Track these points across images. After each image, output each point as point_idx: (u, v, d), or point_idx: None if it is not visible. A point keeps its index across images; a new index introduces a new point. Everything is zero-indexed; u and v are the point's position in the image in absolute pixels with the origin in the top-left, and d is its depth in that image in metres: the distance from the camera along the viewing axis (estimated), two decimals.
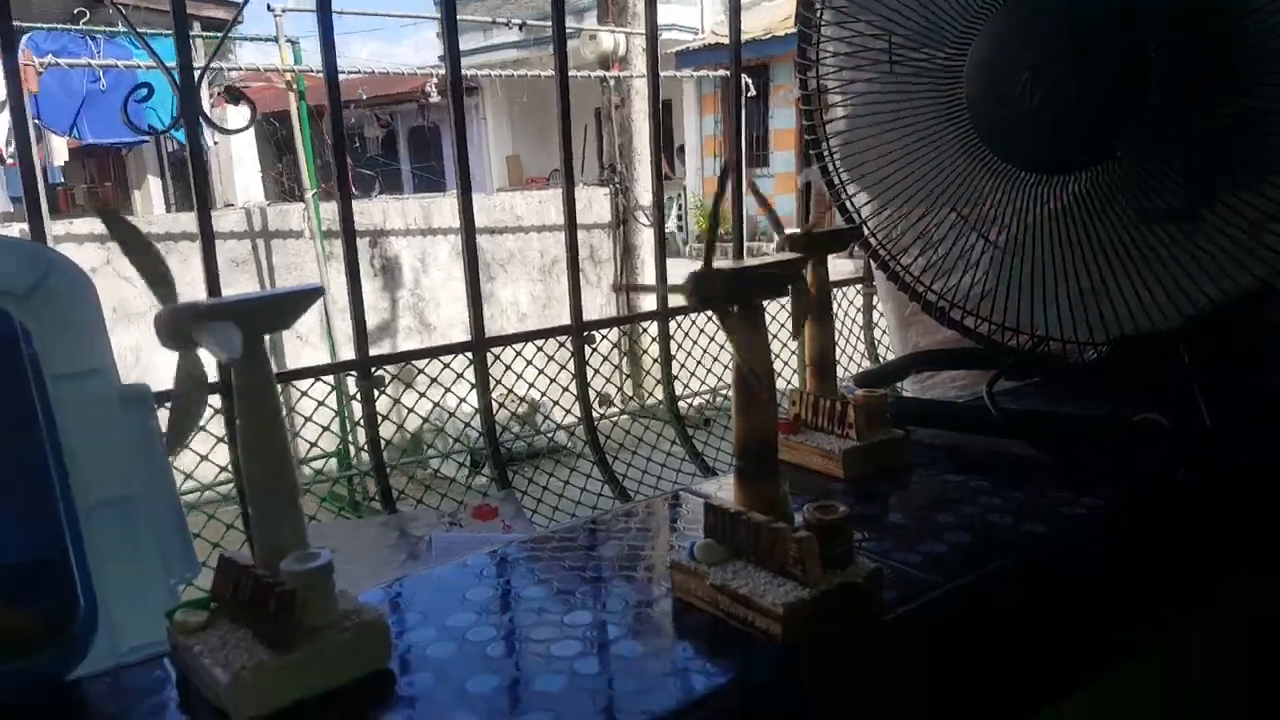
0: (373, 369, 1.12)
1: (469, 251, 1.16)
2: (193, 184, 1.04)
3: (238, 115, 4.26)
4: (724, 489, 0.89)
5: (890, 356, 1.80)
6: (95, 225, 4.42)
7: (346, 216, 1.10)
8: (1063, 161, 0.90)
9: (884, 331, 1.85)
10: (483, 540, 1.11)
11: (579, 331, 1.28)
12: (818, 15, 1.04)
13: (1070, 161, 0.87)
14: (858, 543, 0.70)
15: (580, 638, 0.59)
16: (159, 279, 0.51)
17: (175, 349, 0.51)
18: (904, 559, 0.70)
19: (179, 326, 0.50)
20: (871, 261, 1.17)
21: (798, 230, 0.88)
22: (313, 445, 1.75)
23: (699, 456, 1.43)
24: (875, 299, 1.82)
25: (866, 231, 1.06)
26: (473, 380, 1.31)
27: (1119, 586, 0.79)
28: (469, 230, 1.16)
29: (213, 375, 1.03)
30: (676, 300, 1.67)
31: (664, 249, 1.39)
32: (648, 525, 0.82)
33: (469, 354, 1.23)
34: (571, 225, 1.26)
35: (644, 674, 0.55)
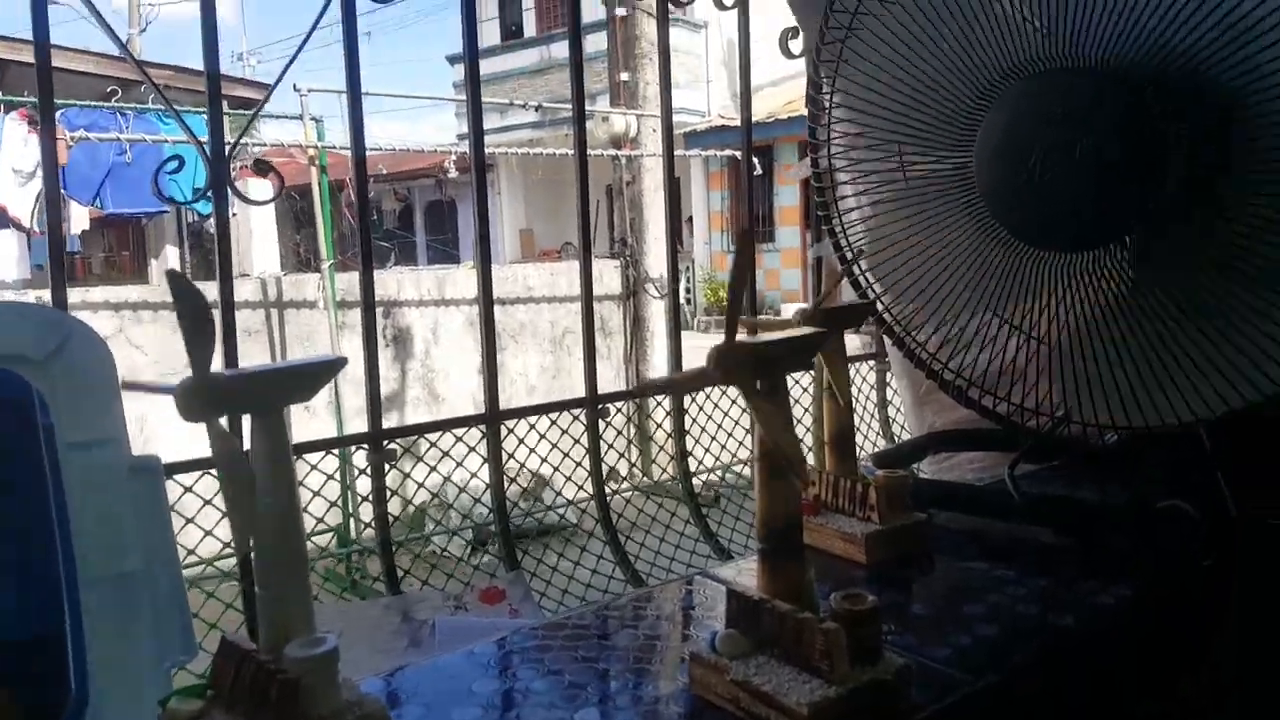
0: (385, 442, 1.10)
1: (486, 322, 1.16)
2: (218, 253, 1.04)
3: (258, 188, 4.33)
4: (743, 574, 0.86)
5: (905, 435, 1.78)
6: (110, 293, 4.46)
7: (367, 288, 1.10)
8: (1075, 236, 0.89)
9: (898, 409, 1.83)
10: (489, 626, 1.07)
11: (594, 404, 1.27)
12: (827, 98, 1.04)
13: (1082, 237, 0.86)
14: (884, 635, 0.67)
15: None
16: (199, 345, 0.49)
17: (194, 421, 0.49)
18: (931, 654, 0.67)
19: (199, 398, 0.49)
20: (885, 337, 1.16)
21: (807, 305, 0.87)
22: (319, 520, 1.72)
23: (713, 537, 1.39)
24: (889, 376, 1.81)
25: (880, 306, 1.04)
26: (483, 454, 1.29)
27: (1142, 668, 0.76)
28: (487, 301, 1.16)
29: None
30: (688, 366, 1.66)
31: (678, 322, 1.38)
32: (663, 612, 0.79)
33: (482, 427, 1.21)
34: (588, 296, 1.26)
35: None
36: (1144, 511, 0.87)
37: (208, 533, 1.13)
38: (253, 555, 0.52)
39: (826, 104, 1.00)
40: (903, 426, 1.81)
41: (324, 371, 0.53)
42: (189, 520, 1.06)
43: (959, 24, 0.84)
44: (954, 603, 0.76)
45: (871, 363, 1.80)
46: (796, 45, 1.34)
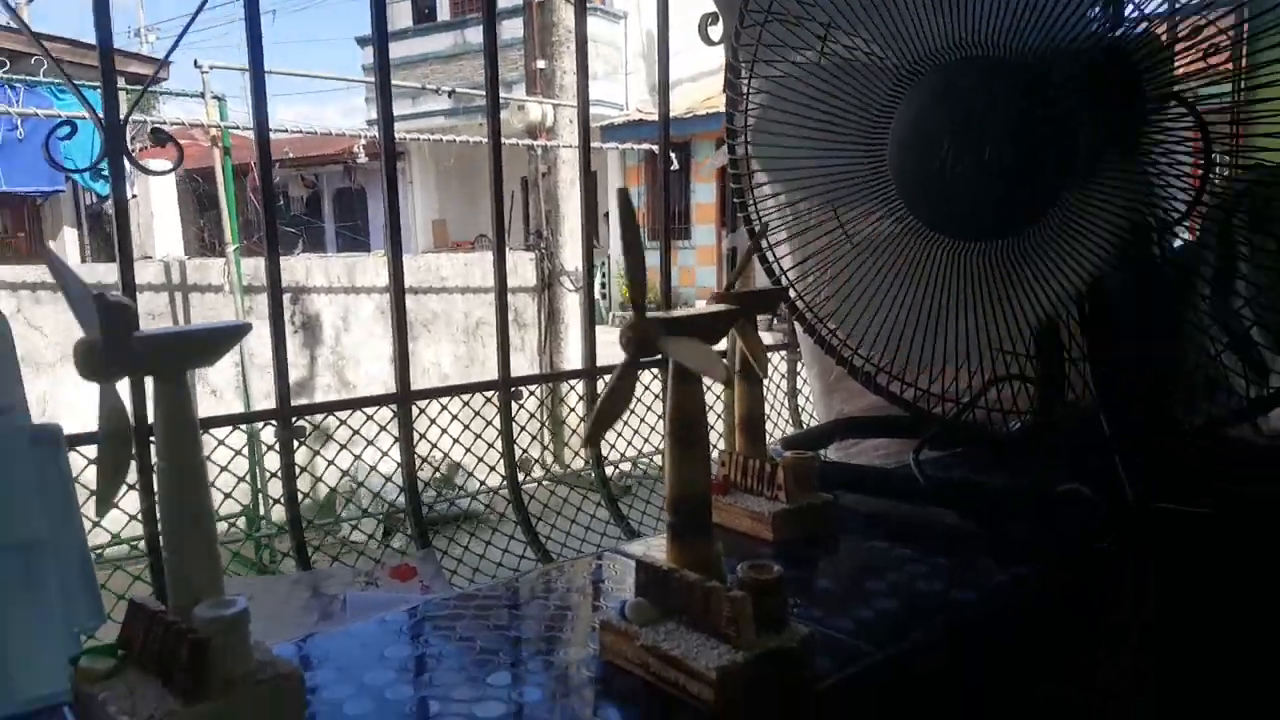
0: (293, 419, 1.07)
1: (398, 301, 1.14)
2: (116, 230, 1.01)
3: (157, 165, 4.16)
4: (652, 549, 0.87)
5: (814, 423, 1.82)
6: (7, 273, 4.26)
7: (273, 267, 1.07)
8: (987, 227, 0.92)
9: (807, 399, 1.87)
10: (399, 600, 1.06)
11: (506, 387, 1.26)
12: (745, 83, 1.06)
13: (996, 227, 0.89)
14: (790, 607, 0.69)
15: (504, 699, 0.56)
16: (87, 313, 0.48)
17: (95, 379, 0.49)
18: (835, 625, 0.69)
19: (98, 358, 0.48)
20: (798, 325, 1.18)
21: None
22: (227, 496, 1.67)
23: (624, 519, 1.40)
24: (799, 365, 1.85)
25: (794, 294, 1.07)
26: (395, 434, 1.27)
27: (1043, 650, 0.80)
28: (398, 279, 1.14)
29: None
30: (602, 361, 1.67)
31: (593, 308, 1.39)
32: (573, 585, 0.79)
33: (393, 407, 1.19)
34: (502, 281, 1.25)
35: None
36: (1044, 495, 0.91)
37: (113, 505, 1.08)
38: (158, 517, 0.51)
39: (744, 89, 1.01)
40: (812, 415, 1.85)
41: (228, 336, 0.53)
42: (93, 493, 1.02)
43: (872, 6, 0.86)
44: (857, 579, 0.79)
45: (784, 353, 1.84)
46: (716, 32, 1.36)
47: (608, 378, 1.54)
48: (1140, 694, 0.94)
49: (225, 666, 0.49)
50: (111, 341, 0.47)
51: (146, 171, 1.13)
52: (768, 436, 0.93)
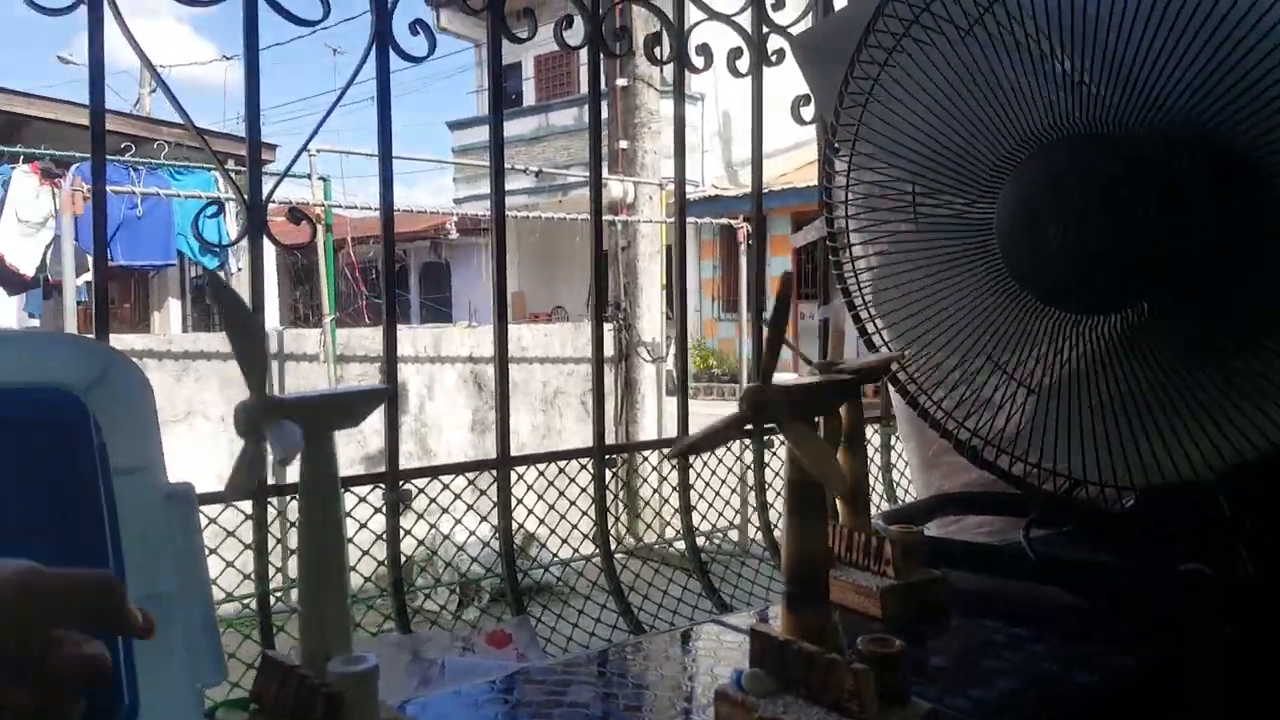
0: (400, 482, 1.10)
1: (501, 369, 1.17)
2: (251, 300, 1.06)
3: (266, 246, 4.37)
4: (749, 621, 0.86)
5: (909, 498, 1.78)
6: (116, 342, 4.47)
7: (390, 335, 1.12)
8: (1096, 301, 0.91)
9: (902, 473, 1.83)
10: (497, 667, 1.06)
11: (601, 455, 1.27)
12: (845, 158, 1.07)
13: (1104, 303, 0.88)
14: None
15: None
16: (255, 366, 0.52)
17: (250, 436, 0.51)
18: (953, 704, 0.66)
19: (255, 416, 0.50)
20: (898, 397, 1.17)
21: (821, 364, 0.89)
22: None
23: (715, 592, 1.38)
24: (893, 439, 1.81)
25: (896, 366, 1.06)
26: (470, 504, 1.29)
27: None
28: (502, 347, 1.17)
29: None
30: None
31: (685, 382, 1.39)
32: (672, 655, 0.79)
33: (493, 471, 1.21)
34: (599, 350, 1.27)
35: None
36: (1164, 575, 0.87)
37: (229, 564, 1.12)
38: (296, 577, 0.53)
39: (845, 164, 1.02)
40: (906, 490, 1.81)
41: (371, 399, 0.55)
42: (212, 551, 1.06)
43: (986, 84, 0.86)
44: (972, 657, 0.76)
45: (877, 425, 1.81)
46: (808, 112, 1.38)
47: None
48: None
49: None
50: (267, 402, 0.50)
51: (283, 247, 1.20)
52: None
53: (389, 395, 0.56)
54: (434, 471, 1.25)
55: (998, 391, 1.01)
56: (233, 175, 1.24)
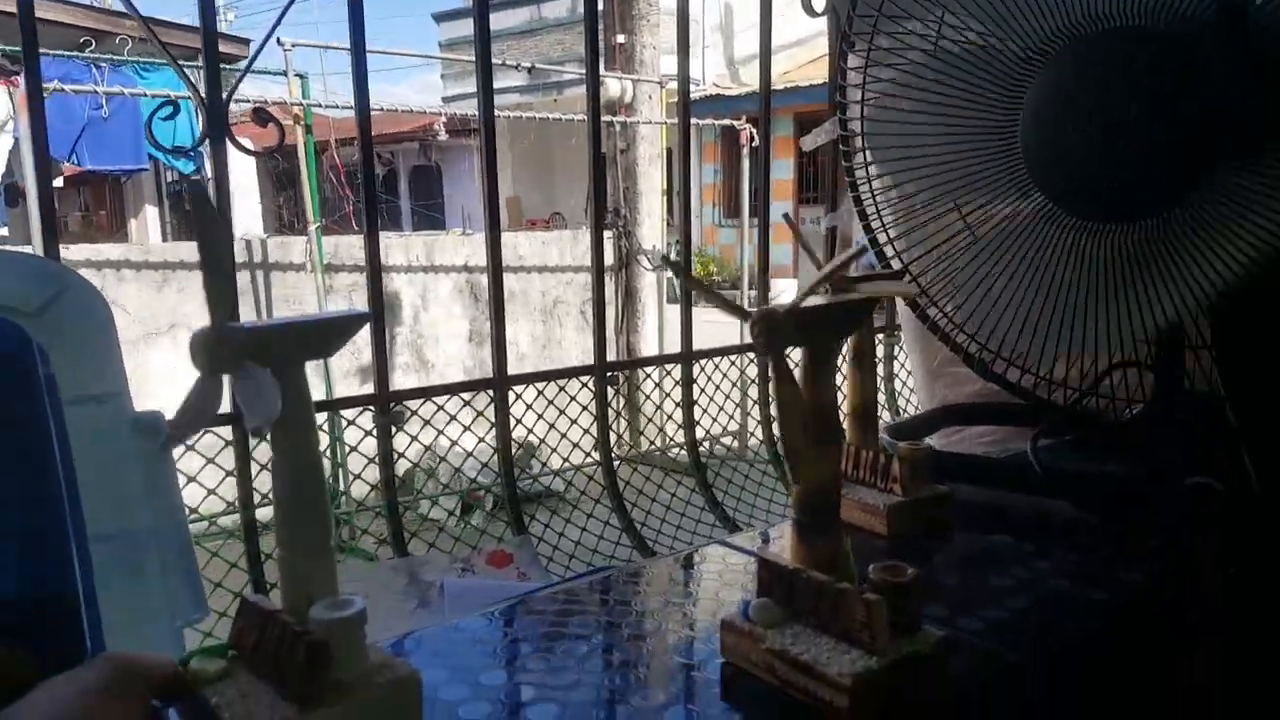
0: (391, 404, 1.07)
1: (496, 288, 1.13)
2: (217, 208, 1.01)
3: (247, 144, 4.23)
4: (757, 544, 0.84)
5: (912, 410, 1.76)
6: (90, 251, 4.38)
7: (373, 249, 1.07)
8: (1127, 210, 0.86)
9: (904, 383, 1.81)
10: (497, 588, 1.05)
11: (602, 372, 1.24)
12: (863, 53, 1.01)
13: (1134, 210, 0.83)
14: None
15: (626, 703, 0.54)
16: (222, 295, 0.47)
17: (212, 373, 0.46)
18: (965, 625, 0.65)
19: (219, 352, 0.45)
20: (904, 308, 1.13)
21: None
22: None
23: (719, 506, 1.38)
24: (897, 349, 1.79)
25: (908, 276, 1.02)
26: (479, 413, 1.26)
27: (1184, 650, 0.75)
28: (496, 265, 1.13)
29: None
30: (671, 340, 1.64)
31: (689, 293, 1.35)
32: (679, 579, 0.77)
33: (490, 391, 1.18)
34: (599, 265, 1.23)
35: None
36: (1172, 488, 0.86)
37: (211, 491, 1.10)
38: (273, 515, 0.49)
39: (861, 61, 0.96)
40: (909, 401, 1.79)
41: (349, 326, 0.50)
42: (191, 479, 1.03)
43: None
44: (981, 575, 0.75)
45: (881, 336, 1.78)
46: (819, 2, 1.30)
47: (703, 362, 1.50)
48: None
49: (341, 670, 0.47)
50: (231, 335, 0.45)
51: (248, 152, 1.13)
52: None
53: (371, 318, 0.51)
54: (427, 393, 1.22)
55: (1007, 301, 0.97)
56: (191, 73, 1.16)
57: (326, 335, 0.50)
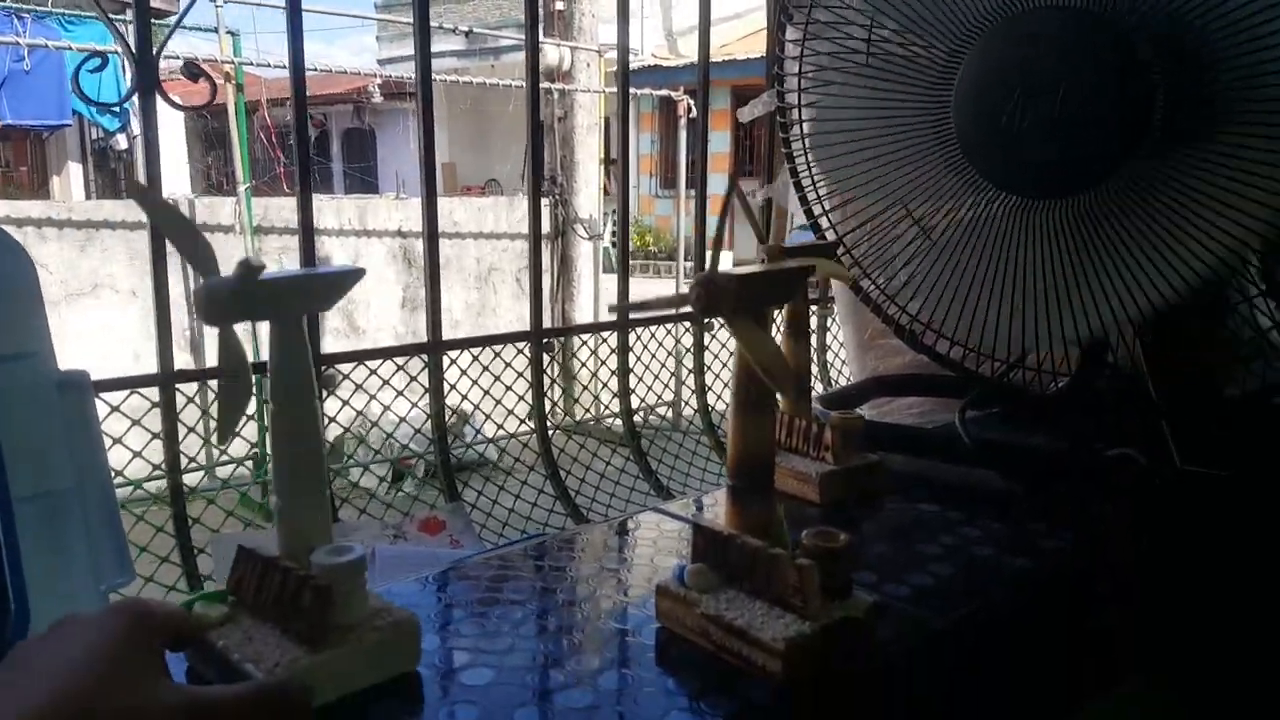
0: (325, 367, 1.05)
1: (431, 252, 1.11)
2: (145, 169, 0.97)
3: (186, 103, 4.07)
4: (691, 511, 0.85)
5: (844, 381, 1.79)
6: (11, 208, 4.21)
7: (306, 209, 1.04)
8: (1048, 183, 0.88)
9: (836, 354, 1.84)
10: (430, 555, 1.04)
11: (538, 339, 1.23)
12: (801, 25, 1.01)
13: (1064, 186, 0.85)
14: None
15: (561, 667, 0.54)
16: (202, 255, 0.48)
17: (216, 325, 0.48)
18: (893, 591, 0.66)
19: (225, 299, 0.47)
20: (835, 279, 1.15)
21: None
22: (222, 452, 1.66)
23: (653, 475, 1.38)
24: (830, 321, 1.81)
25: (842, 248, 1.03)
26: (412, 379, 1.25)
27: (1104, 617, 0.78)
28: (432, 229, 1.11)
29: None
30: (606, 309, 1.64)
31: (626, 260, 1.35)
32: (613, 545, 0.77)
33: (423, 356, 1.16)
34: (536, 232, 1.22)
35: (636, 711, 0.50)
36: (1094, 459, 0.89)
37: (136, 454, 1.07)
38: (269, 464, 0.52)
39: (799, 33, 0.97)
40: (840, 372, 1.82)
41: (345, 280, 0.53)
42: (116, 440, 1.00)
43: None
44: (909, 543, 0.76)
45: (814, 307, 1.80)
46: None
47: (639, 330, 1.50)
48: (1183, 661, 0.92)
49: (344, 613, 0.49)
50: (237, 285, 0.47)
51: (178, 107, 1.09)
52: None
53: (360, 275, 0.53)
54: (360, 356, 1.19)
55: (936, 273, 0.99)
56: (120, 27, 1.11)
57: (326, 289, 0.52)
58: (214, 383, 0.52)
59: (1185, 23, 0.77)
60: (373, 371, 1.21)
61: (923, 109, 0.92)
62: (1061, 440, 1.01)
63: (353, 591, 0.50)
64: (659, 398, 1.94)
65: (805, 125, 1.03)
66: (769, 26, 1.05)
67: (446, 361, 1.21)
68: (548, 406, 1.56)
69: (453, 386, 1.27)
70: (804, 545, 0.57)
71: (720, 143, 12.33)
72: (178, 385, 1.00)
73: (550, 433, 1.53)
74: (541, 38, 6.28)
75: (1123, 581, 0.79)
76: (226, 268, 0.48)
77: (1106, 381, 1.00)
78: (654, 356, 1.80)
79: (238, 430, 0.50)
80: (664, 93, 7.01)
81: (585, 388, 3.65)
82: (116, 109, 5.47)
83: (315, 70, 6.45)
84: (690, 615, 0.57)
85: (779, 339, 0.88)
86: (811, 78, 0.98)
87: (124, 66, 4.60)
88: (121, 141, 7.23)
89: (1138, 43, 0.76)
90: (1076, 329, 0.90)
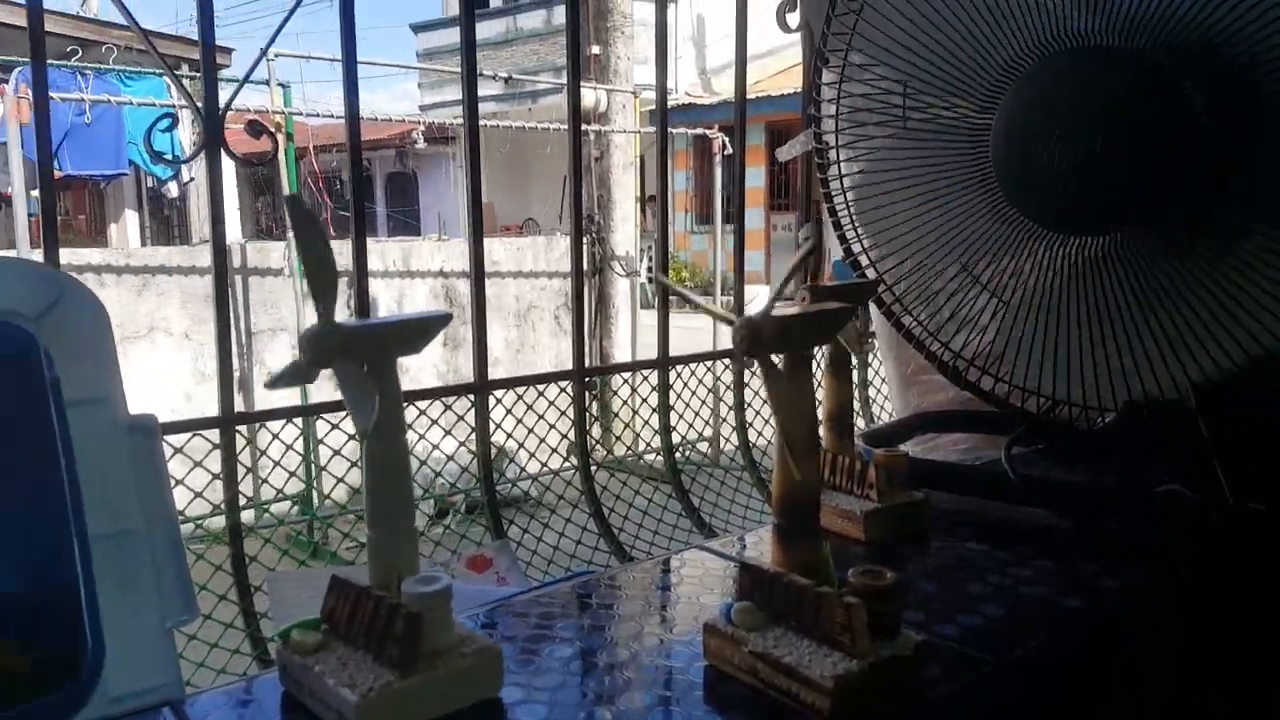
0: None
1: (478, 293, 1.13)
2: (211, 218, 1.02)
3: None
4: (735, 549, 0.85)
5: (885, 415, 1.78)
6: (71, 256, 4.35)
7: (360, 255, 1.07)
8: (1084, 220, 0.89)
9: (878, 390, 1.83)
10: (478, 593, 1.05)
11: (581, 377, 1.24)
12: (837, 69, 1.03)
13: (1100, 223, 0.85)
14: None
15: (611, 704, 0.54)
16: (325, 292, 0.52)
17: (320, 367, 0.52)
18: (940, 631, 0.66)
19: (324, 346, 0.51)
20: (878, 314, 1.15)
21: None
22: (279, 491, 1.69)
23: (695, 512, 1.38)
24: (871, 356, 1.81)
25: (882, 286, 1.04)
26: (446, 426, 1.27)
27: (1157, 658, 0.76)
28: (479, 270, 1.13)
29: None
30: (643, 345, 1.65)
31: (666, 300, 1.36)
32: (659, 584, 0.78)
33: (471, 396, 1.19)
34: (579, 272, 1.24)
35: None
36: (1144, 496, 0.88)
37: (197, 494, 1.10)
38: (364, 497, 0.55)
39: (835, 77, 0.98)
40: (883, 408, 1.81)
41: (434, 324, 0.56)
42: (179, 481, 1.03)
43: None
44: (957, 582, 0.76)
45: None
46: (793, 19, 1.32)
47: (679, 369, 1.51)
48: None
49: (432, 641, 0.51)
50: (341, 330, 0.51)
51: (243, 162, 1.14)
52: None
53: (447, 320, 0.56)
54: (410, 397, 1.22)
55: (981, 310, 0.99)
56: (185, 82, 1.16)
57: (415, 333, 0.55)
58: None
59: (1218, 43, 0.77)
60: (422, 412, 1.24)
61: (959, 151, 0.92)
62: (1109, 476, 1.00)
63: (441, 619, 0.52)
64: (699, 434, 1.95)
65: (843, 165, 1.04)
66: (804, 67, 1.06)
67: (492, 401, 1.23)
68: (590, 444, 1.57)
69: (498, 425, 1.29)
70: (851, 584, 0.57)
71: (755, 178, 12.39)
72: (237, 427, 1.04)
73: (593, 470, 1.54)
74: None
75: (1174, 621, 0.78)
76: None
77: (1154, 416, 0.99)
78: (694, 394, 1.81)
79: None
80: (699, 131, 7.07)
81: (626, 425, 3.66)
82: (185, 162, 5.67)
83: (361, 117, 6.64)
84: (738, 653, 0.57)
85: (819, 375, 0.89)
86: (847, 118, 1.00)
87: (177, 118, 4.75)
88: (173, 189, 7.47)
89: (1187, 90, 0.76)
90: (1129, 387, 0.89)
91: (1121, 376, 0.90)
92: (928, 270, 1.03)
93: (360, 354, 0.53)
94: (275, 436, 1.52)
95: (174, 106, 4.29)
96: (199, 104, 1.03)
